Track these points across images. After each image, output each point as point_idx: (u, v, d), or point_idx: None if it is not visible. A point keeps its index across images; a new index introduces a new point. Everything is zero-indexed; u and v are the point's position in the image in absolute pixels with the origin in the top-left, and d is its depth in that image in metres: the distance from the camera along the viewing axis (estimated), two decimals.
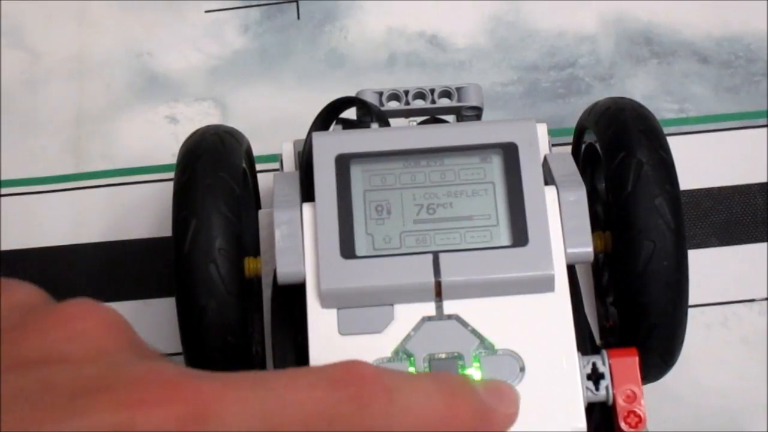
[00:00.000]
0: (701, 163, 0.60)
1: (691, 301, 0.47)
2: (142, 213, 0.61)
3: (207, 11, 0.66)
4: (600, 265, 0.53)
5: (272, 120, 0.63)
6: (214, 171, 0.47)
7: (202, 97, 0.64)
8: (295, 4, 0.66)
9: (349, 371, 0.35)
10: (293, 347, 0.46)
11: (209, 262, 0.45)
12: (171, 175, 0.49)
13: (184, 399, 0.31)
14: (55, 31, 0.66)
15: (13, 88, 0.65)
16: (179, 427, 0.30)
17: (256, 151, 0.55)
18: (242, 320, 0.46)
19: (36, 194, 0.62)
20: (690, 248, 0.48)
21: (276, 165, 0.58)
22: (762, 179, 0.60)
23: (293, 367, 0.35)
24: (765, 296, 0.58)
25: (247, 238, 0.50)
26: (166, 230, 0.55)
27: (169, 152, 0.62)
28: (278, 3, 0.66)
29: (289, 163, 0.52)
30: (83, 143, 0.63)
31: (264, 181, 0.57)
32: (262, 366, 0.50)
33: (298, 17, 0.66)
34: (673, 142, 0.48)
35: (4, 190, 0.62)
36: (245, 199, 0.53)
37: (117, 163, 0.63)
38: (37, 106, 0.64)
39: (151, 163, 0.62)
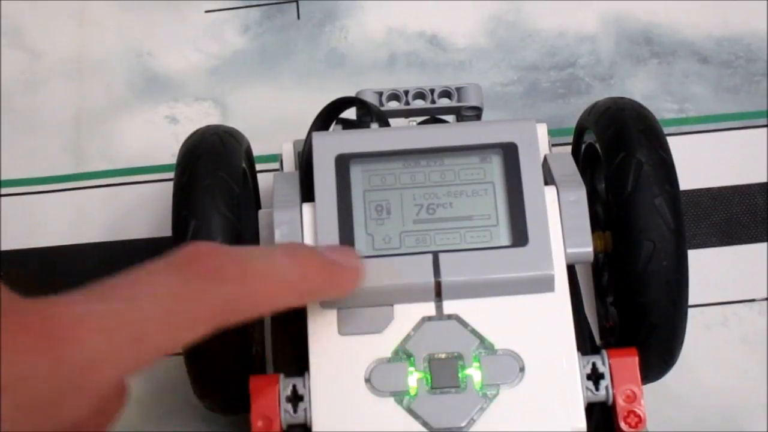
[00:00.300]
0: (701, 163, 0.60)
1: (691, 301, 0.47)
2: (142, 213, 0.61)
3: (207, 11, 0.66)
4: (600, 266, 0.53)
5: (272, 120, 0.63)
6: (213, 171, 0.47)
7: (202, 97, 0.64)
8: (295, 4, 0.66)
9: (194, 251, 0.36)
10: (293, 348, 0.46)
11: None
12: (171, 175, 0.49)
13: (37, 325, 0.31)
14: (55, 31, 0.66)
15: (13, 88, 0.65)
16: (37, 354, 0.30)
17: (256, 151, 0.55)
18: None
19: (36, 194, 0.62)
20: (690, 248, 0.48)
21: (276, 165, 0.58)
22: (762, 179, 0.60)
23: (138, 267, 0.35)
24: (765, 296, 0.58)
25: (247, 238, 0.50)
26: (166, 230, 0.55)
27: (169, 152, 0.62)
28: (278, 3, 0.66)
29: (289, 163, 0.52)
30: (83, 143, 0.63)
31: (264, 181, 0.57)
32: (261, 368, 0.50)
33: (298, 17, 0.66)
34: (673, 142, 0.48)
35: (4, 190, 0.62)
36: (245, 199, 0.53)
37: (117, 163, 0.63)
38: (37, 106, 0.64)
39: (151, 163, 0.62)
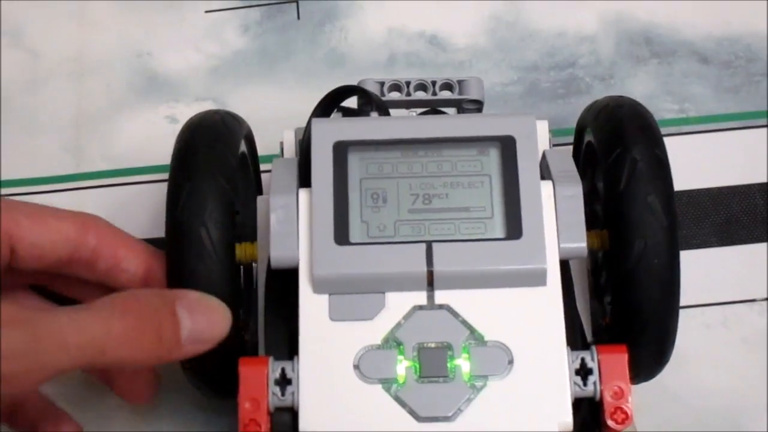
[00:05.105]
0: (701, 163, 0.60)
1: (691, 301, 0.47)
2: (142, 213, 0.61)
3: (207, 11, 0.66)
4: (599, 265, 0.53)
5: (272, 120, 0.63)
6: (211, 141, 0.48)
7: (202, 97, 0.64)
8: (295, 4, 0.66)
9: None
10: (285, 332, 0.46)
11: (200, 225, 0.45)
12: None
13: None
14: (55, 31, 0.66)
15: (13, 88, 0.65)
16: None
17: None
18: (231, 286, 0.46)
19: (36, 194, 0.62)
20: (690, 248, 0.48)
21: None
22: (762, 179, 0.60)
23: None
24: (765, 296, 0.57)
25: (247, 224, 0.51)
26: None
27: (169, 152, 0.62)
28: (278, 3, 0.66)
29: (290, 150, 0.52)
30: (83, 143, 0.63)
31: (264, 180, 0.57)
32: (254, 351, 0.50)
33: (298, 17, 0.66)
34: (673, 142, 0.48)
35: (4, 190, 0.62)
36: (244, 182, 0.53)
37: (117, 163, 0.63)
38: (37, 106, 0.64)
39: (151, 164, 0.62)
